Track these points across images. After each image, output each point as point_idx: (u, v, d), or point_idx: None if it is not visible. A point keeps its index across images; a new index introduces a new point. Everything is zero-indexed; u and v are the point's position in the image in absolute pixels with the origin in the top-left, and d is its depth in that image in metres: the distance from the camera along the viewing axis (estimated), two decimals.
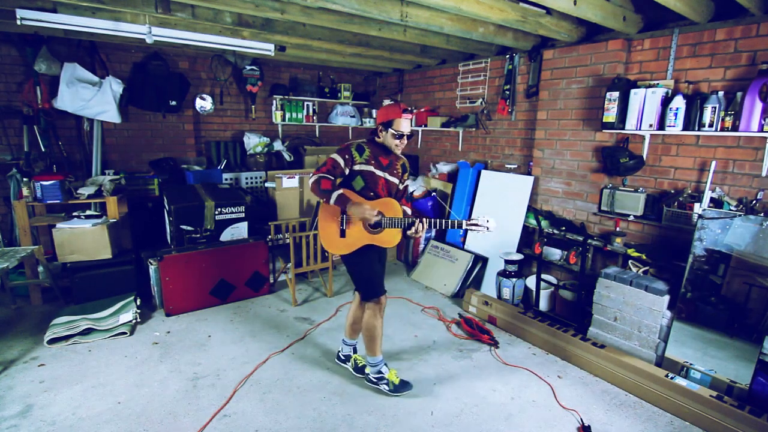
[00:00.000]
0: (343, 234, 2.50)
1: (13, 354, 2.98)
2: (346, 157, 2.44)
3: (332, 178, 2.43)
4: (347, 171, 2.46)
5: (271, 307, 3.84)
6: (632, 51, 3.36)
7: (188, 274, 3.60)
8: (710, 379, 2.54)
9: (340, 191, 2.40)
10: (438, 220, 2.35)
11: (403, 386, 2.64)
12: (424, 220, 2.36)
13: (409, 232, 2.40)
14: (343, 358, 2.92)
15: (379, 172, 2.50)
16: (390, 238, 2.51)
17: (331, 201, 2.39)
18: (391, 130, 2.43)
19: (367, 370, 2.73)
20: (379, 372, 2.66)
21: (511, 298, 3.79)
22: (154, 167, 4.97)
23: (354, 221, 2.49)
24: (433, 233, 4.82)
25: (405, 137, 2.45)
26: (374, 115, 6.10)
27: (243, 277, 3.89)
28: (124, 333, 3.24)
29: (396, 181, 2.59)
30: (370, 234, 2.50)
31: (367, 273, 2.55)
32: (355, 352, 2.93)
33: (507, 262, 3.83)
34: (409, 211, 2.62)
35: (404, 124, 2.43)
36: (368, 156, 2.48)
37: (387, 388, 2.63)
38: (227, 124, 5.70)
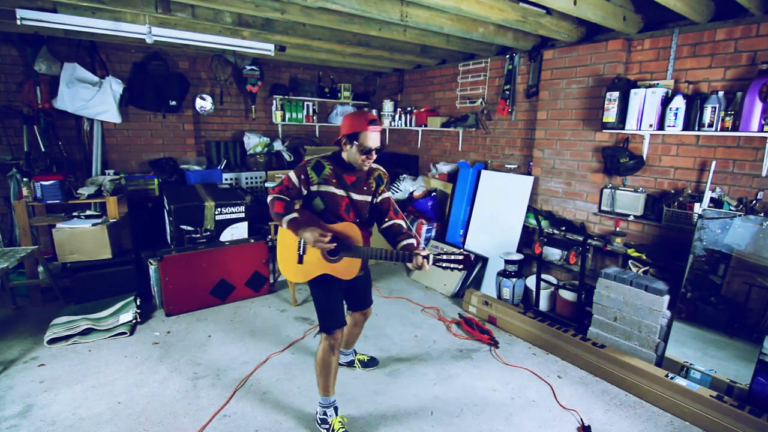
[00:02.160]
0: (300, 260, 2.25)
1: (13, 354, 2.98)
2: (302, 177, 2.15)
3: (287, 199, 2.17)
4: (305, 192, 2.19)
5: (271, 307, 3.84)
6: (632, 51, 3.36)
7: (188, 274, 3.60)
8: (710, 379, 2.54)
9: (294, 215, 2.14)
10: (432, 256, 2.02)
11: None
12: (430, 256, 1.99)
13: (410, 265, 2.05)
14: (344, 364, 2.91)
15: (340, 192, 2.18)
16: (344, 269, 2.19)
17: (284, 225, 2.13)
18: (356, 143, 2.07)
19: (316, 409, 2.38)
20: (324, 415, 2.30)
21: (511, 298, 3.79)
22: (154, 167, 4.98)
23: (311, 248, 2.20)
24: (434, 233, 4.83)
25: (373, 152, 2.10)
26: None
27: (243, 277, 3.89)
28: (124, 333, 3.24)
29: (367, 198, 2.24)
30: (327, 263, 2.21)
31: (323, 304, 2.25)
32: (355, 354, 2.93)
33: (507, 262, 3.83)
34: (403, 224, 2.28)
35: (372, 138, 2.07)
36: (328, 174, 2.16)
37: None
38: (227, 124, 5.70)
